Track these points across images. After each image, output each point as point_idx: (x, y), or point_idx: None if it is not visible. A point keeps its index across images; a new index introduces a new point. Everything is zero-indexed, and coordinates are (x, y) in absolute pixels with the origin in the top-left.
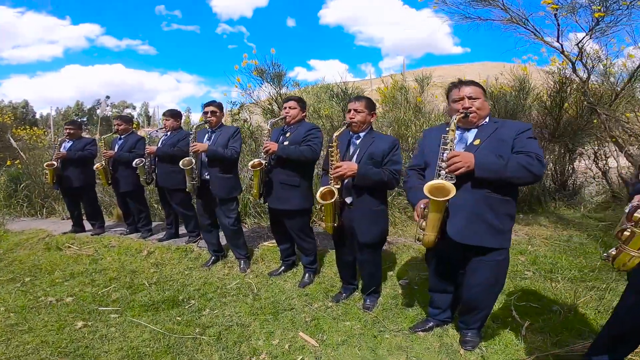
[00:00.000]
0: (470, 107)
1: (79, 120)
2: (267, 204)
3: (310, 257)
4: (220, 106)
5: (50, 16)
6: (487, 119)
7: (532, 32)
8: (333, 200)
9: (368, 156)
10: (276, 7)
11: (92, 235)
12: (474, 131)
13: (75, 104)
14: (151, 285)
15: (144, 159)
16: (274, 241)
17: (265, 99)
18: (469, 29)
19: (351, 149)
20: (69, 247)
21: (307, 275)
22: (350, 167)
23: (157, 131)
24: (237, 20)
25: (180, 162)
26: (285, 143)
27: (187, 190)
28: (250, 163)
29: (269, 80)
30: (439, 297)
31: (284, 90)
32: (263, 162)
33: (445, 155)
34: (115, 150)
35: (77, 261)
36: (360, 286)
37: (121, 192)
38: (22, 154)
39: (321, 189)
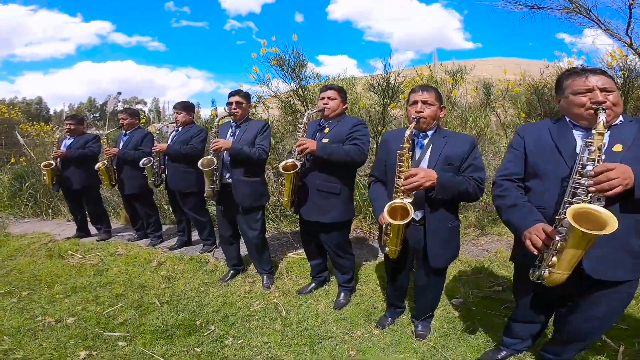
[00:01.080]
0: (605, 102)
1: (83, 115)
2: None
3: (348, 275)
4: (247, 96)
5: (61, 14)
6: (621, 117)
7: (596, 22)
8: (408, 220)
9: (444, 160)
10: (284, 2)
11: (97, 241)
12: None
13: (87, 100)
14: (163, 304)
15: (152, 159)
16: (300, 251)
17: (284, 92)
18: (521, 17)
19: (417, 152)
20: (72, 255)
21: (342, 294)
22: (428, 175)
23: (167, 126)
24: (246, 16)
25: (200, 162)
26: (325, 141)
27: (205, 195)
28: (282, 164)
29: (288, 70)
30: (523, 327)
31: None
32: (298, 163)
33: (589, 168)
34: (120, 147)
35: (81, 272)
36: (406, 307)
37: (127, 195)
38: (28, 150)
39: (390, 203)
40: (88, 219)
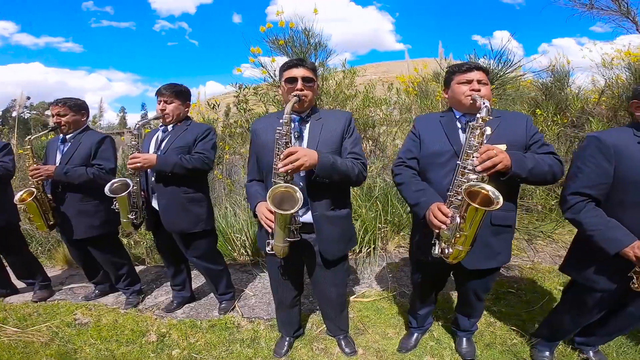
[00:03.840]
0: None
1: None
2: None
3: (477, 318)
4: (314, 69)
5: None
6: None
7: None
8: None
9: None
10: (222, 3)
11: (34, 301)
12: None
13: None
14: None
15: (128, 181)
16: (365, 291)
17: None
18: (571, 15)
19: None
20: (1, 327)
21: (466, 340)
22: None
23: (147, 125)
24: (179, 16)
25: (270, 197)
26: (500, 147)
27: (274, 254)
28: (466, 188)
29: (299, 54)
30: None
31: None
32: (493, 195)
33: None
34: (57, 162)
35: (30, 357)
36: None
37: (76, 241)
38: None
39: None
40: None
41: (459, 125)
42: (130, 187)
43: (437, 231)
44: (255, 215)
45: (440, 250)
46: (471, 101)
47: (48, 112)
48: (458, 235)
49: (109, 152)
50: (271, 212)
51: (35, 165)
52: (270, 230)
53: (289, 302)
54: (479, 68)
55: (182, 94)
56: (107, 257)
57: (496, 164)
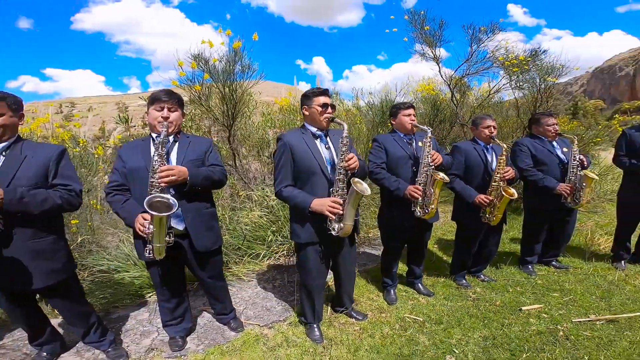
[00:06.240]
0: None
1: None
2: None
3: (422, 264)
4: None
5: None
6: None
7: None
8: None
9: None
10: (5, 5)
11: None
12: None
13: None
14: None
15: (170, 199)
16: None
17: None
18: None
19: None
20: None
21: (420, 284)
22: None
23: (165, 133)
24: None
25: (357, 184)
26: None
27: (337, 235)
28: (433, 171)
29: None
30: None
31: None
32: (444, 177)
33: None
34: None
35: None
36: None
37: (21, 293)
38: None
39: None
40: None
41: (405, 141)
42: (176, 206)
43: (415, 200)
44: (310, 212)
45: (422, 213)
46: (412, 127)
47: None
48: (433, 199)
49: (72, 169)
50: (337, 202)
51: None
52: (333, 217)
53: (324, 285)
54: (413, 106)
55: (183, 104)
56: (74, 307)
57: (439, 160)
